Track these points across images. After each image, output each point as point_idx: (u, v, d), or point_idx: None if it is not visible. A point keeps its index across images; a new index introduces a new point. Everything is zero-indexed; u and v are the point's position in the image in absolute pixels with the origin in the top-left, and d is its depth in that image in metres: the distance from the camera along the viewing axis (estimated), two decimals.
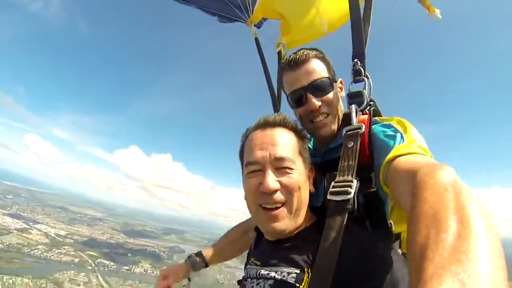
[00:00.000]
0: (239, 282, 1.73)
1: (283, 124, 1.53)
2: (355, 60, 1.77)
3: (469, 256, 0.62)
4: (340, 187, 1.33)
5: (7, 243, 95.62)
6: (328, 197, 1.34)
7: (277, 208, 1.39)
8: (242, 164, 1.57)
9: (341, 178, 1.39)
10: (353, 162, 1.42)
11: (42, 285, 74.97)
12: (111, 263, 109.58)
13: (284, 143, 1.45)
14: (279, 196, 1.38)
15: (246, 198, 1.51)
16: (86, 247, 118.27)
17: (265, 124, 1.53)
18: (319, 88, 1.83)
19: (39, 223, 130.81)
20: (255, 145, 1.46)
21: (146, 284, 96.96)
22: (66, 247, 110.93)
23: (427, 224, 0.75)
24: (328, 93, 1.84)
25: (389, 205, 1.56)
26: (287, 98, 2.00)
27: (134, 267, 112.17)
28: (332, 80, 1.88)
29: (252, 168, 1.45)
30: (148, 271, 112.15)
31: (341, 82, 1.98)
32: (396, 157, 1.30)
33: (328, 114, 1.84)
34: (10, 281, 71.01)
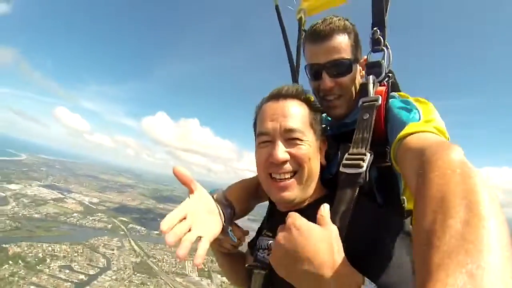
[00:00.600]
0: (251, 252, 1.71)
1: (296, 95, 1.52)
2: (375, 28, 1.70)
3: (477, 246, 0.59)
4: (352, 160, 1.31)
5: (45, 213, 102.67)
6: (340, 169, 1.32)
7: (286, 179, 1.41)
8: (255, 134, 1.58)
9: (355, 151, 1.36)
10: (368, 134, 1.39)
11: (79, 251, 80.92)
12: (142, 228, 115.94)
13: (295, 114, 1.46)
14: (288, 166, 1.40)
15: (257, 167, 1.54)
16: (118, 213, 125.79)
17: (278, 96, 1.52)
18: (335, 69, 1.75)
19: (73, 192, 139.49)
20: (267, 116, 1.47)
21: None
22: (99, 214, 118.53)
23: (434, 208, 0.73)
24: (344, 75, 1.75)
25: (402, 182, 1.54)
26: (305, 67, 1.94)
27: None
28: (353, 61, 1.77)
29: (263, 139, 1.46)
30: None
31: (365, 60, 1.83)
32: (408, 135, 1.25)
33: (340, 96, 1.78)
34: (50, 248, 77.32)
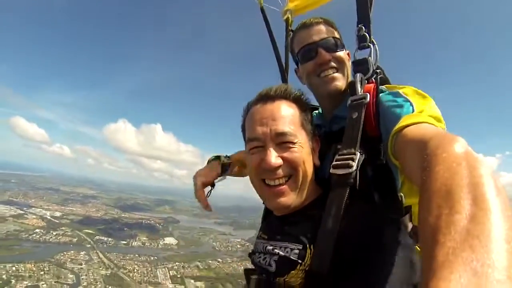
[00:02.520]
0: (250, 255, 1.73)
1: (284, 96, 1.48)
2: (360, 25, 1.70)
3: (483, 242, 0.58)
4: (342, 160, 1.29)
5: (4, 231, 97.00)
6: (331, 171, 1.30)
7: (280, 184, 1.38)
8: (244, 138, 1.56)
9: (344, 151, 1.34)
10: (357, 133, 1.36)
11: (45, 269, 77.46)
12: (109, 239, 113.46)
13: (285, 116, 1.42)
14: (282, 171, 1.37)
15: (249, 173, 1.51)
16: (82, 225, 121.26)
17: (266, 97, 1.48)
18: (330, 44, 1.79)
19: (33, 207, 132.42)
20: (256, 121, 1.44)
21: (145, 256, 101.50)
22: (63, 228, 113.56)
23: (439, 203, 0.71)
24: (338, 51, 1.80)
25: (399, 178, 1.51)
26: (296, 57, 1.97)
27: (131, 241, 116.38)
28: (342, 43, 1.85)
29: (254, 145, 1.43)
30: (146, 243, 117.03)
31: (348, 54, 1.89)
32: (404, 127, 1.22)
33: (337, 70, 1.79)
34: (14, 268, 73.44)
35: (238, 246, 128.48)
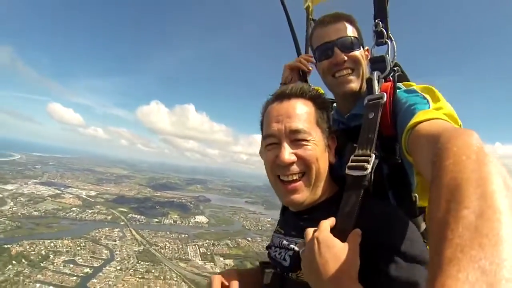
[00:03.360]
0: (267, 248, 1.78)
1: (300, 94, 1.51)
2: (377, 20, 1.69)
3: (492, 239, 0.56)
4: (357, 162, 1.31)
5: (43, 210, 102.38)
6: (346, 171, 1.33)
7: (294, 180, 1.41)
8: (262, 135, 1.59)
9: (360, 152, 1.36)
10: (373, 135, 1.38)
11: (81, 244, 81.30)
12: (142, 217, 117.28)
13: (300, 114, 1.44)
14: (295, 168, 1.39)
15: (266, 170, 1.54)
16: (116, 204, 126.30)
17: (282, 96, 1.52)
18: (346, 43, 1.78)
19: (69, 187, 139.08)
20: (272, 118, 1.47)
21: (176, 234, 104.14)
22: (98, 206, 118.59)
23: (448, 198, 0.69)
24: (355, 50, 1.78)
25: (414, 177, 1.53)
26: (314, 54, 2.00)
27: (163, 218, 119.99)
28: (360, 42, 1.84)
29: (270, 141, 1.47)
30: (177, 221, 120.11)
31: (367, 50, 1.89)
32: (418, 123, 1.24)
33: (352, 71, 1.79)
34: (52, 244, 77.55)
35: (268, 225, 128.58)
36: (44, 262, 68.88)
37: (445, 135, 0.93)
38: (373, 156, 1.31)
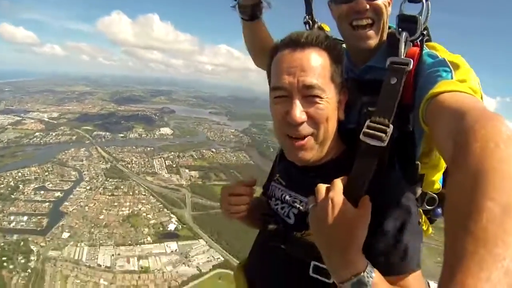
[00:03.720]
0: (265, 194, 1.74)
1: (316, 43, 1.34)
2: None
3: None
4: (374, 130, 1.19)
5: (5, 140, 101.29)
6: (361, 137, 1.21)
7: (303, 137, 1.32)
8: (269, 83, 1.46)
9: (378, 119, 1.22)
10: (393, 103, 1.24)
11: (49, 169, 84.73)
12: (107, 133, 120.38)
13: (315, 67, 1.30)
14: (305, 128, 1.31)
15: (273, 124, 1.44)
16: (80, 123, 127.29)
17: (296, 43, 1.35)
18: None
19: (30, 111, 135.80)
20: (283, 68, 1.33)
21: (142, 148, 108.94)
22: (61, 127, 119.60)
23: (472, 185, 0.66)
24: None
25: (421, 147, 1.50)
26: None
27: (128, 133, 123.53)
28: None
29: (279, 93, 1.34)
30: (143, 135, 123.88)
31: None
32: (440, 93, 1.14)
33: (373, 23, 1.58)
34: (19, 174, 79.82)
35: (232, 136, 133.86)
36: (15, 194, 71.53)
37: (472, 114, 0.88)
38: (391, 127, 1.18)
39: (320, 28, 1.93)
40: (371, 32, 1.60)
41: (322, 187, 1.18)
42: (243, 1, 1.99)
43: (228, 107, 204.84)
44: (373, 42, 1.61)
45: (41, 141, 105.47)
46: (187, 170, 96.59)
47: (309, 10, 2.10)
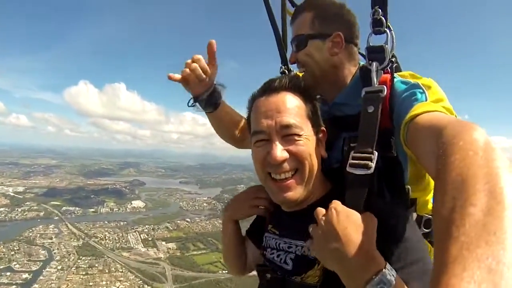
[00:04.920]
0: (260, 248, 1.67)
1: (289, 86, 1.41)
2: (376, 7, 1.51)
3: (499, 238, 0.56)
4: (360, 159, 1.24)
5: None
6: (348, 169, 1.26)
7: (287, 178, 1.33)
8: (249, 130, 1.50)
9: (361, 149, 1.28)
10: (374, 130, 1.30)
11: (15, 248, 78.73)
12: (76, 208, 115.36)
13: (291, 108, 1.35)
14: (288, 165, 1.31)
15: (255, 167, 1.44)
16: (48, 198, 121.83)
17: (269, 89, 1.41)
18: (294, 44, 1.73)
19: None
20: (261, 113, 1.38)
21: (115, 222, 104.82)
22: (28, 203, 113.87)
23: (454, 194, 0.68)
24: (299, 49, 1.70)
25: (408, 170, 1.50)
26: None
27: (99, 207, 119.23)
28: (311, 36, 1.67)
29: (259, 137, 1.37)
30: (114, 209, 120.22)
31: (338, 35, 1.63)
32: (417, 115, 1.19)
33: (304, 70, 1.73)
34: None
35: (205, 204, 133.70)
36: None
37: (449, 128, 0.91)
38: (376, 153, 1.24)
39: (296, 75, 1.96)
40: (305, 75, 1.73)
41: (321, 209, 1.20)
42: (199, 97, 1.96)
43: (197, 176, 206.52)
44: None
45: (6, 217, 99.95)
46: (163, 243, 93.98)
47: (284, 60, 2.24)
